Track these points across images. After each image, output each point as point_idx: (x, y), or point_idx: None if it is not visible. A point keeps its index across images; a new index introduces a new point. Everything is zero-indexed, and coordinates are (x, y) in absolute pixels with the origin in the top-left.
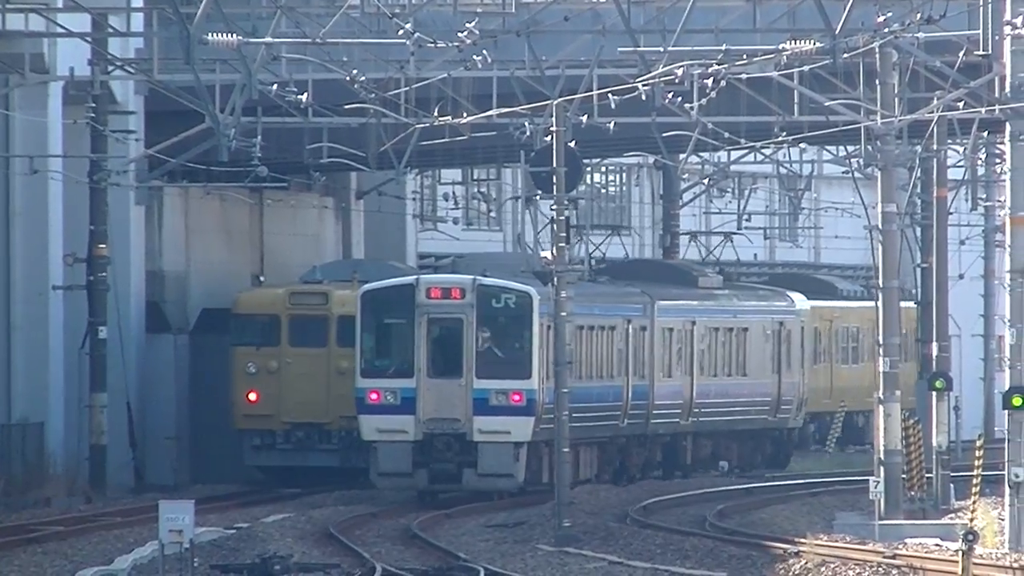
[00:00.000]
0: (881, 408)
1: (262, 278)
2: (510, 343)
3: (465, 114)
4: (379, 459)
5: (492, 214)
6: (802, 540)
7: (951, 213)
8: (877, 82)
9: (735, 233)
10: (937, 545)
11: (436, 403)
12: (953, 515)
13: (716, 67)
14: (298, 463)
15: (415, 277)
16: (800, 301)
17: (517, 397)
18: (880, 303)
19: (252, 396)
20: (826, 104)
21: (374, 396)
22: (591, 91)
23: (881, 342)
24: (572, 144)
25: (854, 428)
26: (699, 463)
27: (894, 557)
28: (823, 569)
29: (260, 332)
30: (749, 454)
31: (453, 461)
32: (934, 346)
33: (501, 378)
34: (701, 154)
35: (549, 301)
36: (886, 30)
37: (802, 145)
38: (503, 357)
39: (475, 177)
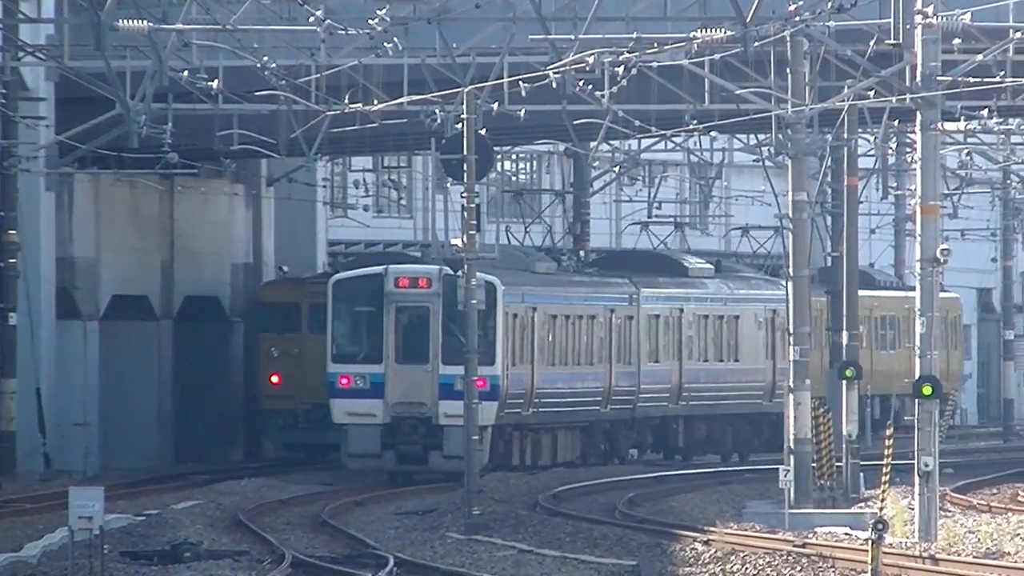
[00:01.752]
0: (791, 397)
1: (285, 268)
2: (476, 330)
3: (376, 101)
4: (349, 441)
5: (403, 201)
6: (712, 529)
7: (862, 202)
8: (788, 71)
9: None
10: (847, 534)
11: (404, 388)
12: (863, 504)
13: (627, 55)
14: (318, 441)
15: (384, 267)
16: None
17: (482, 383)
18: (790, 292)
19: (275, 379)
20: (737, 92)
21: (344, 381)
22: (502, 79)
23: (791, 331)
24: (483, 132)
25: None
26: (694, 446)
27: (804, 546)
28: (732, 558)
29: (282, 319)
30: (746, 438)
31: (419, 443)
32: (844, 335)
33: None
34: (612, 142)
35: (515, 291)
36: (797, 19)
37: (713, 133)
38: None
39: (386, 164)
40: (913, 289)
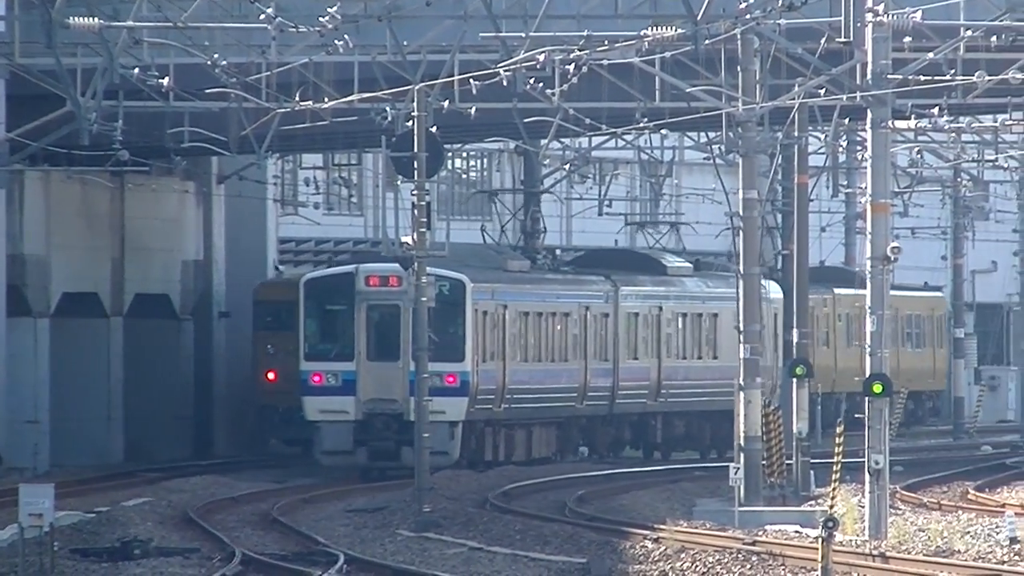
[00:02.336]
0: (742, 395)
1: (280, 267)
2: (445, 328)
3: (326, 99)
4: (322, 438)
5: (353, 199)
6: (662, 526)
7: (812, 200)
8: (739, 69)
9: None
10: (797, 532)
11: (375, 385)
12: (813, 502)
13: (578, 53)
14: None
15: (355, 266)
16: (773, 289)
17: (451, 379)
18: (741, 290)
19: (271, 375)
20: (688, 90)
21: (317, 378)
22: (453, 76)
23: (742, 329)
24: (433, 129)
25: (834, 412)
26: (673, 442)
27: (754, 544)
28: (683, 555)
29: (278, 317)
30: (724, 435)
31: (391, 439)
32: (795, 332)
33: (437, 361)
34: (562, 140)
35: (485, 288)
36: (748, 17)
37: (663, 131)
38: (438, 341)
39: (336, 162)
40: (898, 288)
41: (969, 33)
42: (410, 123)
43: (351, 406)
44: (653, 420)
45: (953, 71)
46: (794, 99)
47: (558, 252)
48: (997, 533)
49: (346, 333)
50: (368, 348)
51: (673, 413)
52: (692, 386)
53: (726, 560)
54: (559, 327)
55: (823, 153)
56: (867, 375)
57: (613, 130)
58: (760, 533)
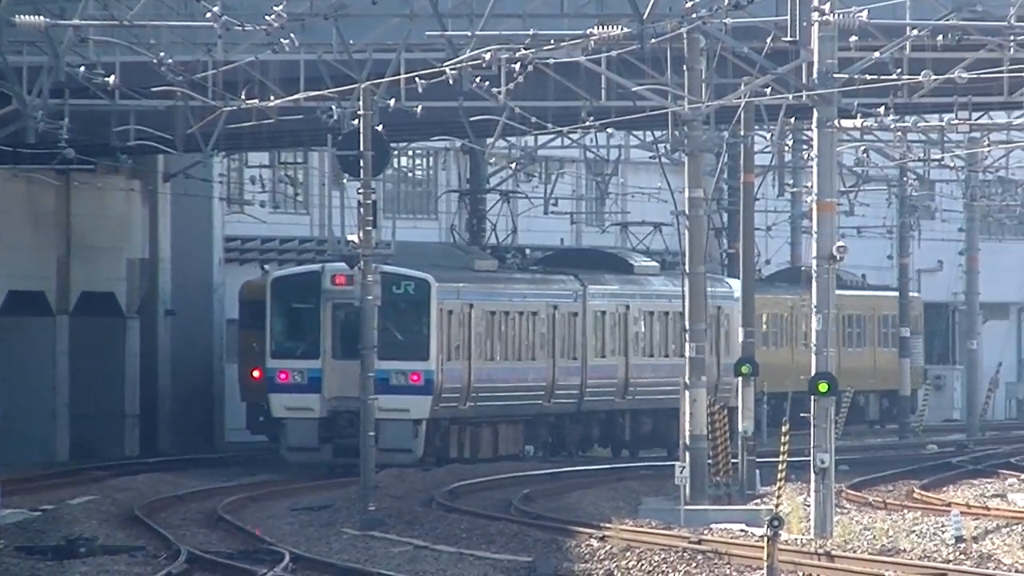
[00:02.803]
0: (687, 394)
1: (267, 267)
2: (410, 326)
3: (272, 97)
4: (288, 435)
5: (299, 197)
6: (607, 525)
7: (758, 199)
8: (685, 68)
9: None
10: (742, 531)
11: (340, 383)
12: (759, 501)
13: (524, 52)
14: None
15: (321, 265)
16: (738, 287)
17: (416, 377)
18: (686, 288)
19: (256, 374)
20: (633, 89)
21: (283, 376)
22: (399, 75)
23: (687, 327)
24: (379, 128)
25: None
26: (640, 440)
27: (699, 542)
28: (628, 554)
29: (263, 316)
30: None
31: (356, 437)
32: (740, 331)
33: (401, 359)
34: (508, 138)
35: (450, 288)
36: (694, 16)
37: (609, 130)
38: (403, 340)
39: (282, 160)
40: (879, 288)
41: (915, 32)
42: (356, 122)
43: (316, 403)
44: (621, 418)
45: (899, 70)
46: (740, 98)
47: (527, 252)
48: (942, 532)
49: (312, 331)
50: (334, 346)
51: (641, 411)
52: (659, 384)
53: (671, 559)
54: (527, 326)
55: (769, 152)
56: (813, 374)
57: (559, 129)
58: (705, 532)
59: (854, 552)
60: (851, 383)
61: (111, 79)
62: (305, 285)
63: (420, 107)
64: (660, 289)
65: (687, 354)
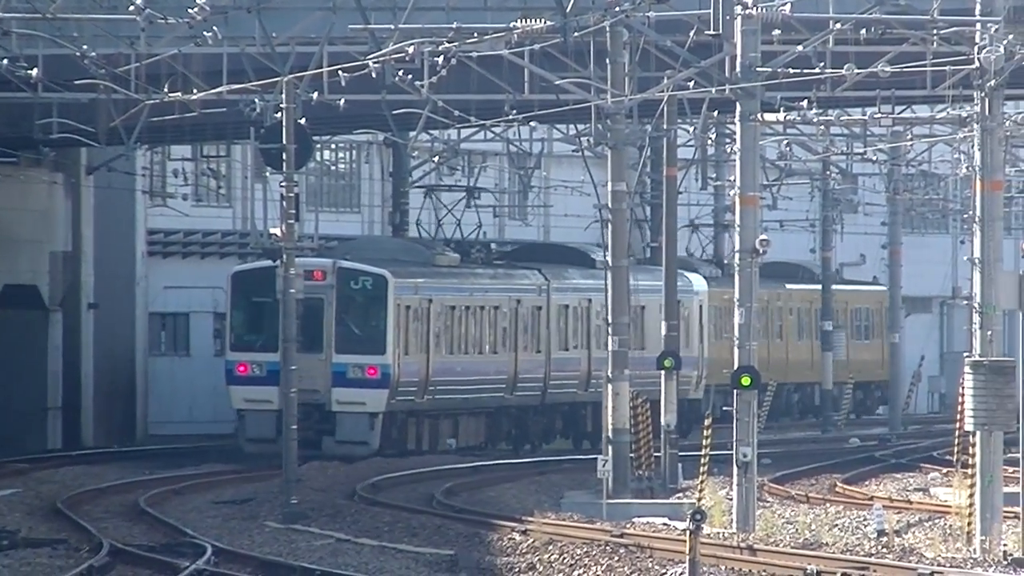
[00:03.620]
0: (610, 387)
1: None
2: (367, 321)
3: (195, 90)
4: (246, 426)
5: (222, 190)
6: (530, 518)
7: (681, 193)
8: (608, 61)
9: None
10: (665, 524)
11: (298, 376)
12: (681, 494)
13: (447, 45)
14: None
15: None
16: (698, 282)
17: (372, 371)
18: (609, 282)
19: (242, 369)
20: (557, 83)
21: (242, 369)
22: (321, 68)
23: (610, 321)
24: (302, 121)
25: (786, 401)
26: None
27: (622, 536)
28: (550, 547)
29: None
30: (653, 423)
31: (313, 429)
32: (663, 325)
33: (358, 353)
34: (431, 132)
35: (408, 283)
36: (617, 9)
37: (532, 123)
38: (360, 334)
39: (204, 153)
40: (849, 283)
41: (838, 26)
42: (279, 115)
43: (274, 396)
44: (583, 410)
45: (822, 64)
46: (663, 92)
47: (492, 246)
48: (865, 525)
49: (271, 325)
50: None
51: (600, 404)
52: None
53: (594, 552)
54: (488, 320)
55: (692, 146)
56: (736, 368)
57: (482, 122)
58: (628, 525)
59: (776, 545)
60: (863, 373)
61: (34, 72)
62: (264, 279)
63: (343, 100)
64: None
65: (609, 347)
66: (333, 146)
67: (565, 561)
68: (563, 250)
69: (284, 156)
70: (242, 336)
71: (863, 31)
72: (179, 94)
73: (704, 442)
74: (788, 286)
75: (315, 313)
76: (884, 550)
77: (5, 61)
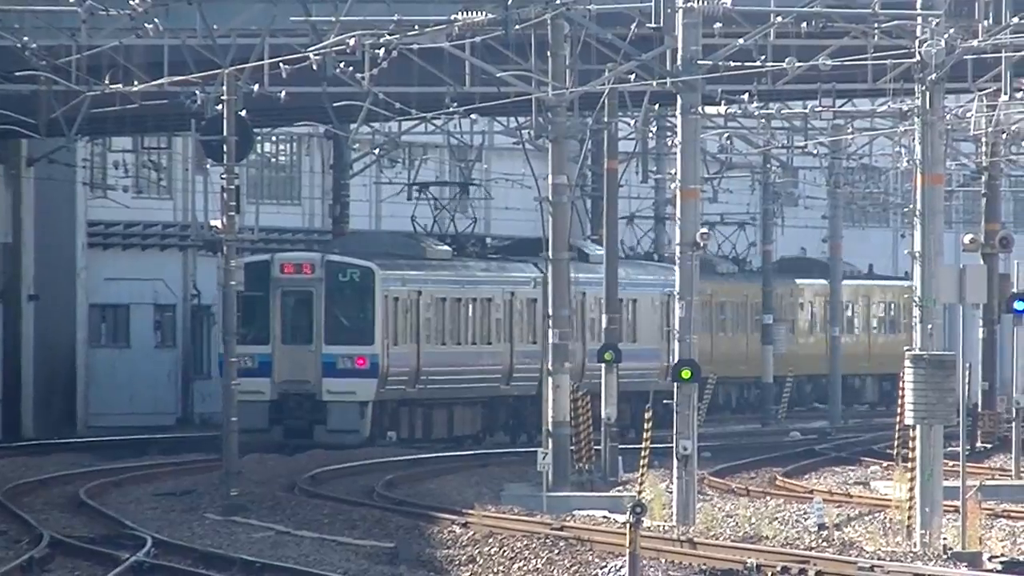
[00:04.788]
0: (550, 380)
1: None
2: (355, 313)
3: (136, 82)
4: (239, 417)
5: (162, 182)
6: (470, 511)
7: (622, 185)
8: (549, 54)
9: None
10: (605, 517)
11: (289, 367)
12: (621, 488)
13: (388, 37)
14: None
15: (270, 254)
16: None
17: (361, 361)
18: (550, 274)
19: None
20: (498, 75)
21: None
22: (262, 60)
23: (551, 314)
24: (243, 113)
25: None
26: (597, 420)
27: (561, 529)
28: (490, 540)
29: None
30: (643, 414)
31: (305, 418)
32: (604, 318)
33: (347, 344)
34: (372, 124)
35: (396, 275)
36: (558, 2)
37: (473, 116)
38: (349, 326)
39: (145, 145)
40: (875, 278)
41: (779, 19)
42: (220, 107)
43: (266, 387)
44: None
45: (763, 57)
46: (604, 84)
47: (488, 240)
48: (805, 519)
49: (262, 318)
50: (283, 332)
51: (596, 393)
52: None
53: (534, 545)
54: (481, 312)
55: (633, 139)
56: (676, 361)
57: (423, 114)
58: (568, 518)
59: (716, 539)
60: (886, 366)
61: None
62: (255, 274)
63: (284, 92)
64: None
65: (549, 340)
66: (274, 138)
67: (505, 554)
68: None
69: (225, 148)
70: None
71: (804, 24)
72: (120, 86)
73: (645, 435)
74: (798, 281)
75: (305, 305)
76: (824, 544)
77: None
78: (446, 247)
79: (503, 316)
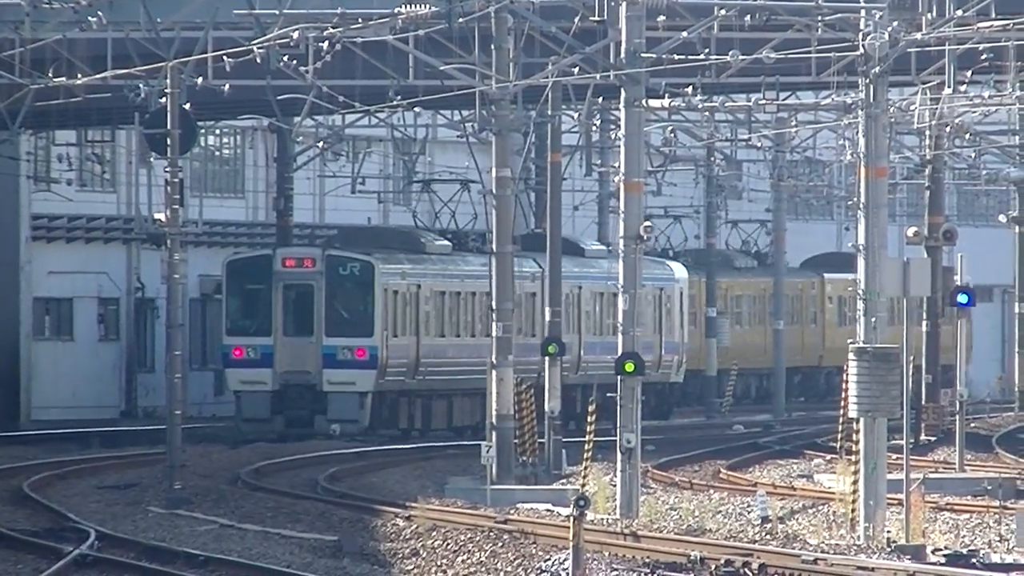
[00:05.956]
0: (494, 373)
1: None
2: (356, 306)
3: (80, 75)
4: (242, 407)
5: (106, 175)
6: (414, 504)
7: (565, 178)
8: (492, 47)
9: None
10: (548, 510)
11: (291, 358)
12: (565, 481)
13: (331, 30)
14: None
15: (272, 249)
16: (679, 270)
17: (361, 353)
18: (494, 268)
19: (237, 353)
20: (441, 68)
21: (237, 352)
22: (206, 53)
23: (495, 307)
24: (186, 106)
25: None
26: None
27: (505, 522)
28: (434, 533)
29: None
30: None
31: (306, 408)
32: (547, 311)
33: (347, 336)
34: (316, 117)
35: (394, 269)
36: None
37: (417, 109)
38: (349, 318)
39: (89, 138)
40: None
41: (723, 12)
42: (163, 100)
43: (268, 377)
44: (573, 392)
45: (707, 50)
46: (548, 77)
47: (487, 235)
48: (748, 512)
49: (264, 310)
50: (284, 324)
51: (590, 385)
52: (609, 360)
53: (478, 538)
54: (480, 305)
55: (576, 132)
56: (619, 354)
57: (367, 108)
58: (512, 511)
59: (660, 532)
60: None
61: None
62: (258, 267)
63: (227, 85)
64: (608, 272)
65: (494, 333)
66: (218, 131)
67: (449, 547)
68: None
69: (168, 141)
70: (237, 321)
71: (748, 17)
72: (64, 79)
73: (588, 428)
74: (825, 275)
75: (306, 299)
76: (768, 537)
77: None
78: (446, 242)
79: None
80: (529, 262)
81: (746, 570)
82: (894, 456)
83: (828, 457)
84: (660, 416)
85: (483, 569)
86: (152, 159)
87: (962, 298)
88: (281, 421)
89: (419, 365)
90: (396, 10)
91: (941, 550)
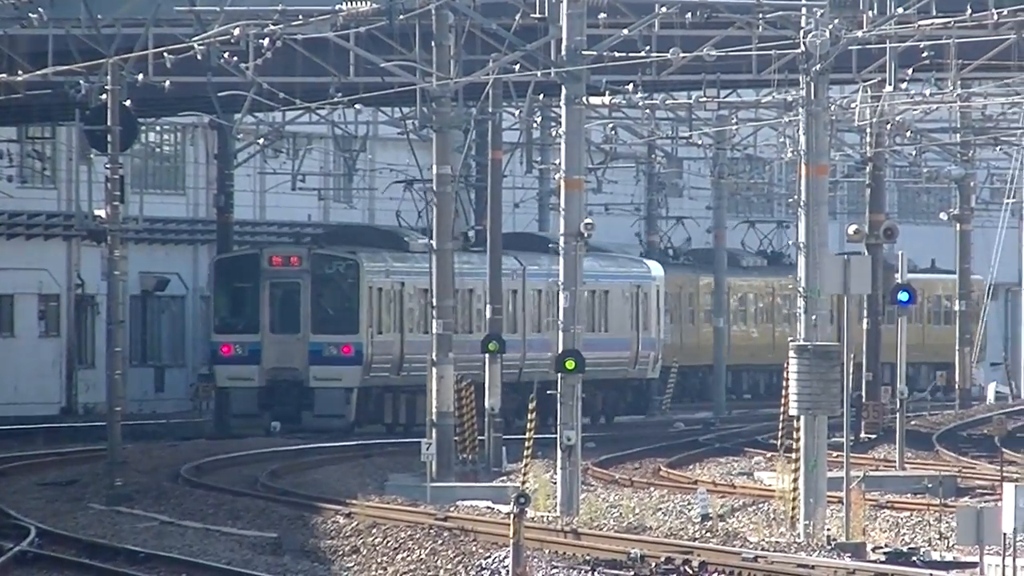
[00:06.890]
0: (434, 370)
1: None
2: (341, 303)
3: (20, 72)
4: (231, 403)
5: (47, 172)
6: (354, 501)
7: (506, 176)
8: (433, 44)
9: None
10: (489, 508)
11: (278, 355)
12: (506, 478)
13: (272, 27)
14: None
15: (259, 248)
16: (656, 268)
17: (347, 349)
18: (434, 265)
19: (225, 350)
20: (382, 65)
21: (225, 349)
22: (147, 50)
23: (435, 304)
24: (127, 103)
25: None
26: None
27: (446, 519)
28: (374, 531)
29: None
30: (613, 402)
31: (293, 404)
32: (488, 308)
33: (333, 333)
34: (256, 114)
35: (380, 267)
36: None
37: (357, 106)
38: (334, 315)
39: (30, 135)
40: (935, 272)
41: (664, 10)
42: (104, 97)
43: (256, 374)
44: (552, 388)
45: (648, 48)
46: (488, 75)
47: (471, 234)
48: (689, 510)
49: (252, 308)
50: (271, 321)
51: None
52: (587, 357)
53: (418, 535)
54: (463, 302)
55: (517, 129)
56: (560, 351)
57: (307, 105)
58: (452, 509)
59: (600, 529)
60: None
61: None
62: (245, 266)
63: (168, 82)
64: (587, 269)
65: (433, 330)
66: (158, 128)
67: (389, 544)
68: (536, 239)
69: (109, 138)
70: (225, 319)
71: (689, 15)
72: (4, 75)
73: (528, 425)
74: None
75: (292, 296)
76: (708, 534)
77: None
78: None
79: (483, 306)
80: (510, 259)
81: (686, 568)
82: (834, 453)
83: (768, 454)
84: (638, 411)
85: (423, 567)
86: (93, 156)
87: (903, 295)
88: (269, 416)
89: (403, 361)
90: (336, 7)
91: (881, 548)
